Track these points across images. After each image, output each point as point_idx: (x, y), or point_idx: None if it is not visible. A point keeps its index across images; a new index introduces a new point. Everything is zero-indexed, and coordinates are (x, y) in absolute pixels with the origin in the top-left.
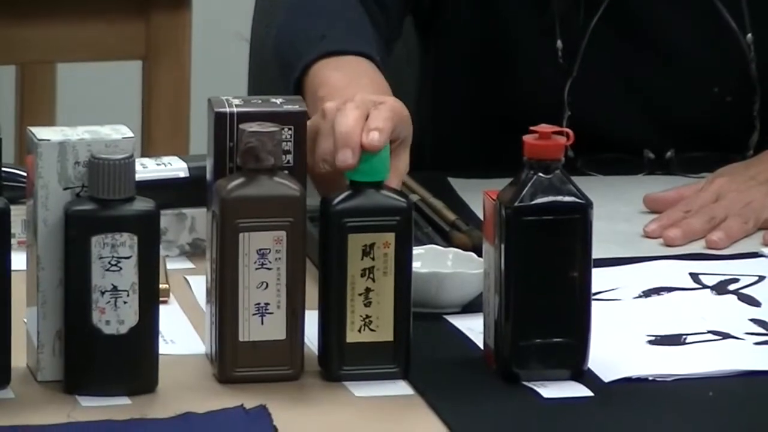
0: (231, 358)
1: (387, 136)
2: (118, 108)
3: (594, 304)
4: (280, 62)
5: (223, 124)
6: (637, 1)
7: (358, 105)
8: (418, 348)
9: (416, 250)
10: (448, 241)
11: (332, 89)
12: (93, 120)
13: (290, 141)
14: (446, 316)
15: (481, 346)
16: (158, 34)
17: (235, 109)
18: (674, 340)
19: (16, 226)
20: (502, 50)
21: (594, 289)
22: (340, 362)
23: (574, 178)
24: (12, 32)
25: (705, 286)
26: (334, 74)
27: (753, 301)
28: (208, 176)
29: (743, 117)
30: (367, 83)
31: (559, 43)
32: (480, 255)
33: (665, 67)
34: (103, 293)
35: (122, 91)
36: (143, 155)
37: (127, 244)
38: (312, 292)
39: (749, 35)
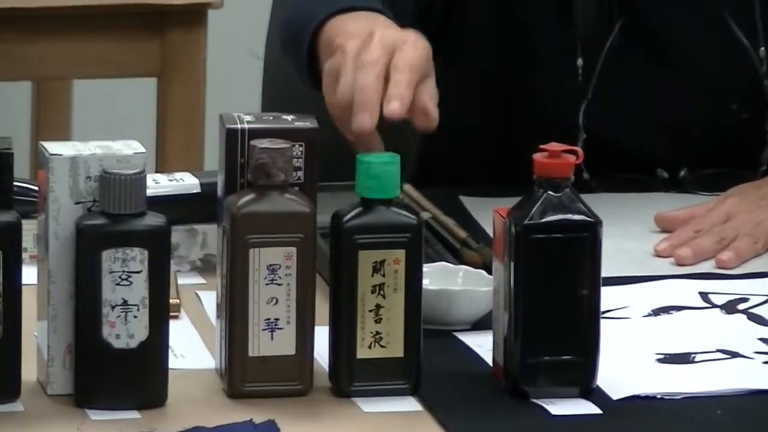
0: (240, 373)
1: (408, 104)
2: (133, 124)
3: (603, 322)
4: (291, 36)
5: (234, 141)
6: (652, 17)
7: (380, 46)
8: (427, 364)
9: (426, 268)
10: (458, 259)
11: (350, 35)
12: (108, 136)
13: (301, 157)
14: (456, 333)
15: (491, 363)
16: (173, 51)
17: (246, 126)
18: (683, 358)
19: (28, 241)
20: (521, 66)
21: (603, 307)
22: (350, 378)
23: (586, 196)
24: (28, 48)
25: (714, 306)
26: (351, 23)
27: (762, 321)
28: (219, 192)
29: (757, 132)
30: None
31: (579, 61)
32: (490, 273)
33: (682, 85)
34: (113, 307)
35: (137, 108)
36: (157, 171)
37: (137, 258)
38: (322, 307)
39: (762, 49)
